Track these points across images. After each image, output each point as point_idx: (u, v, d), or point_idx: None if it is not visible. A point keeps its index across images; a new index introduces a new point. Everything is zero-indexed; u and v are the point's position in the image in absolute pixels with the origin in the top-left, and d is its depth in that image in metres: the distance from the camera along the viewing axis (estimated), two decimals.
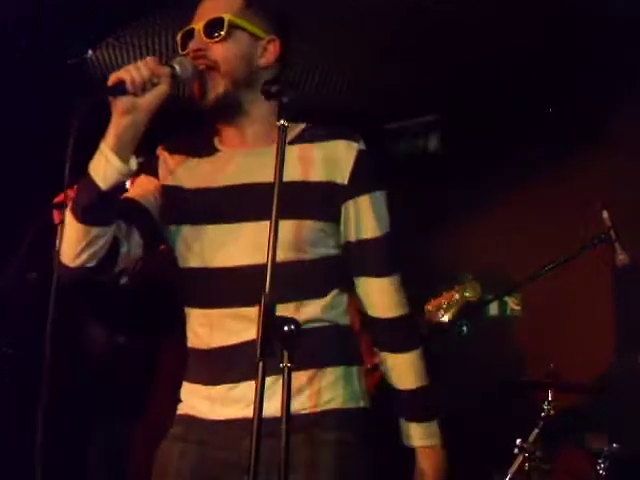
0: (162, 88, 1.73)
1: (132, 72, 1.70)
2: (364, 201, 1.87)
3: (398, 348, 1.90)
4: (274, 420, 1.55)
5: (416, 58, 4.06)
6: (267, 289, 1.53)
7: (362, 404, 1.89)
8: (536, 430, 3.19)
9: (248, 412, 1.59)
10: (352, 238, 1.88)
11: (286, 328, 1.54)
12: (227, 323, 1.82)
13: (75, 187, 2.64)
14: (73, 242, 1.74)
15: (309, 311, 1.82)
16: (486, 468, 3.51)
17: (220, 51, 1.82)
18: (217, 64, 1.81)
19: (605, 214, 3.25)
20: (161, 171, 1.93)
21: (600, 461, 3.11)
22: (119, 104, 1.72)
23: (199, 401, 1.88)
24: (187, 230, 1.86)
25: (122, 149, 1.72)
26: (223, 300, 1.82)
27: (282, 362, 1.53)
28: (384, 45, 3.90)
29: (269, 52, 1.87)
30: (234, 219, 1.83)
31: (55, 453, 3.71)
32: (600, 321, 4.07)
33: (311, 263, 1.83)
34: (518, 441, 3.18)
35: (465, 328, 3.54)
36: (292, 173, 1.79)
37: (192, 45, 1.83)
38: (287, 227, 1.76)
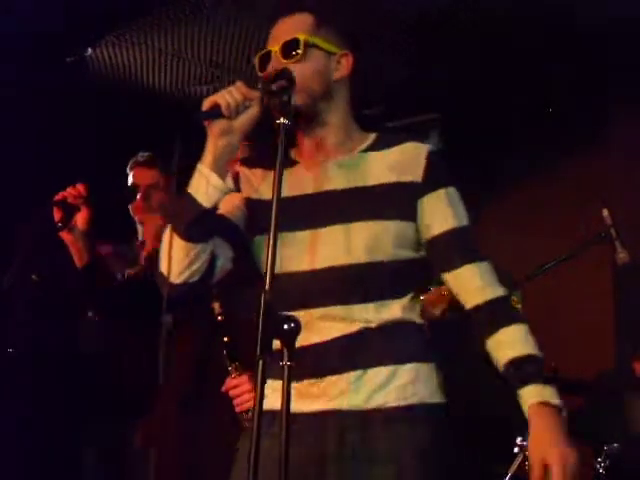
0: (254, 111, 1.84)
1: (226, 97, 1.81)
2: (440, 196, 1.96)
3: (506, 322, 1.90)
4: (358, 414, 1.83)
5: (417, 56, 4.06)
6: (267, 287, 1.56)
7: (442, 399, 1.96)
8: None
9: (332, 405, 1.85)
10: (433, 232, 1.95)
11: (286, 326, 1.56)
12: (315, 323, 1.89)
13: (76, 186, 2.65)
14: (178, 260, 1.86)
15: (390, 311, 1.91)
16: (486, 467, 3.51)
17: (297, 71, 1.90)
18: (295, 83, 1.90)
19: (605, 212, 3.25)
20: (244, 186, 2.03)
21: (600, 460, 3.11)
22: (215, 127, 1.83)
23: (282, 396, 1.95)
24: None
25: (219, 168, 1.85)
26: (311, 302, 1.90)
27: (282, 360, 1.56)
28: (385, 44, 3.90)
29: (343, 66, 1.99)
30: (316, 225, 1.93)
31: (53, 453, 3.71)
32: (600, 320, 4.07)
33: (390, 264, 1.91)
34: (518, 440, 3.18)
35: None
36: (367, 178, 1.95)
37: (271, 66, 1.94)
38: (366, 229, 1.90)
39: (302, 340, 1.84)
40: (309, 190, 1.97)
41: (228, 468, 2.51)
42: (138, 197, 3.03)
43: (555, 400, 1.84)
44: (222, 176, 1.85)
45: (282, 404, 1.56)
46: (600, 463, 3.10)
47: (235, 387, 2.49)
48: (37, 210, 2.62)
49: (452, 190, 1.99)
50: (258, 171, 2.04)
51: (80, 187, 2.63)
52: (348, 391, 1.85)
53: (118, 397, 3.15)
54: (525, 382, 1.86)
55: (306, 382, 1.88)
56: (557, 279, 3.58)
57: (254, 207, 2.00)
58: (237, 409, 2.48)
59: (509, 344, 1.90)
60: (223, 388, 2.51)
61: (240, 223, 1.99)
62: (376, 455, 1.83)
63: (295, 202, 1.96)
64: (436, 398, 1.94)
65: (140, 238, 3.48)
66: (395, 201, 1.92)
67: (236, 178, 2.03)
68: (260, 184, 2.02)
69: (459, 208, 2.00)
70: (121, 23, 3.69)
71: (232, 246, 1.96)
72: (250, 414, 2.44)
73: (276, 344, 1.82)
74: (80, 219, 2.61)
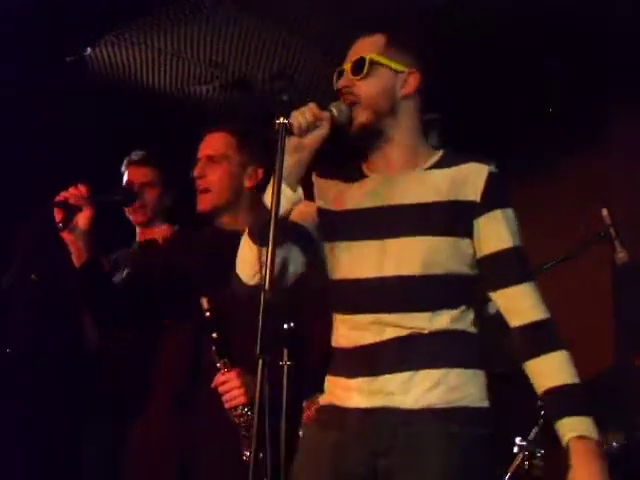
0: (323, 131, 1.98)
1: (298, 117, 1.93)
2: (497, 216, 2.05)
3: (547, 349, 2.01)
4: (409, 412, 1.94)
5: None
6: (267, 286, 1.57)
7: (488, 404, 2.06)
8: (536, 428, 3.19)
9: (386, 402, 1.96)
10: (488, 251, 2.04)
11: (285, 326, 1.56)
12: (370, 326, 2.02)
13: (76, 186, 2.65)
14: (251, 263, 2.00)
15: (440, 320, 2.02)
16: None
17: (363, 87, 2.07)
18: (360, 99, 2.06)
19: (605, 212, 3.25)
20: (316, 195, 2.18)
21: None
22: (287, 144, 1.93)
23: (341, 391, 2.06)
24: (338, 247, 2.09)
25: (291, 181, 1.96)
26: (366, 307, 2.03)
27: (281, 360, 1.57)
28: None
29: (409, 84, 2.13)
30: (377, 236, 2.05)
31: (53, 453, 3.71)
32: (600, 320, 4.07)
33: (443, 278, 2.01)
34: (518, 440, 3.18)
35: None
36: (429, 195, 2.05)
37: (340, 82, 2.11)
38: (423, 244, 2.00)
39: (357, 339, 2.02)
40: (375, 203, 2.08)
41: (223, 466, 2.52)
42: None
43: (592, 433, 1.92)
44: (293, 187, 1.95)
45: (282, 397, 1.57)
46: None
47: (224, 383, 2.49)
48: (37, 210, 2.62)
49: (509, 211, 2.07)
50: (330, 182, 2.17)
51: (81, 187, 2.63)
52: (400, 390, 1.96)
53: (118, 397, 3.15)
54: (562, 414, 1.95)
55: (362, 379, 2.01)
56: (557, 279, 3.58)
57: (325, 215, 2.14)
58: (226, 405, 2.48)
59: (548, 373, 1.99)
60: (212, 384, 2.51)
61: (312, 230, 2.12)
62: (424, 451, 1.93)
63: (361, 214, 2.09)
64: (482, 403, 2.04)
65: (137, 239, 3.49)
66: (453, 219, 2.02)
67: (311, 187, 2.15)
68: (331, 194, 2.15)
69: (514, 229, 2.06)
70: (121, 23, 3.69)
71: (304, 252, 2.08)
72: (239, 410, 2.45)
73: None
74: (82, 219, 2.61)
